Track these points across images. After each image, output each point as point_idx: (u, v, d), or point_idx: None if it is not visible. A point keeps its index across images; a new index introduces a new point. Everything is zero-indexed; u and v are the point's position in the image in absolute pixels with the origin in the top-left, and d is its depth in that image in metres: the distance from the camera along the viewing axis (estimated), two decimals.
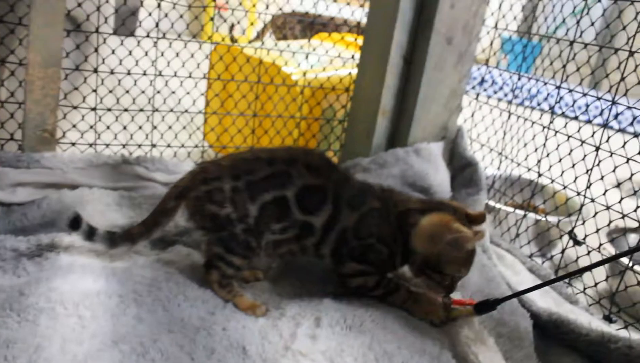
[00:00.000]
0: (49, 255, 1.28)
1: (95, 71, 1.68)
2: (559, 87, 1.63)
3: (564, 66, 1.61)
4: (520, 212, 1.83)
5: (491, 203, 1.94)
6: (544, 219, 1.77)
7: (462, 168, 1.90)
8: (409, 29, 1.87)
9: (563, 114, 1.72)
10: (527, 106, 1.99)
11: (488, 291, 1.36)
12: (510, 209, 1.88)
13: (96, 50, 1.69)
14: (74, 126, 1.70)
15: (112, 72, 1.70)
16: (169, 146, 1.82)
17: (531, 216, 1.80)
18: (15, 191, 1.47)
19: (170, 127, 1.82)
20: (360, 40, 2.06)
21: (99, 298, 1.14)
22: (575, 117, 1.64)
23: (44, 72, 1.46)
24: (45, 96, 1.48)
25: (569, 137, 1.62)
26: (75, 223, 1.21)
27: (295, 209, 1.19)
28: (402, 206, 1.24)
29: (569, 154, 1.62)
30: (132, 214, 1.50)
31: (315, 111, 2.05)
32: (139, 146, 1.78)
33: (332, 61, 2.08)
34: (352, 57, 2.07)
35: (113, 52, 1.71)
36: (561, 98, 1.65)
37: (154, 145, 1.79)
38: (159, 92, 1.77)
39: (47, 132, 1.51)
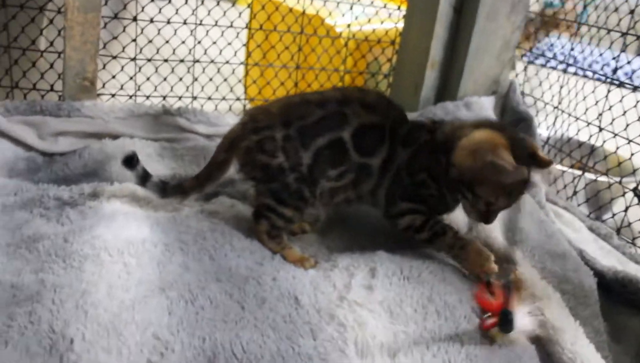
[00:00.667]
0: (92, 204, 1.25)
1: (135, 19, 1.62)
2: (625, 34, 1.52)
3: (632, 12, 1.50)
4: (577, 172, 1.73)
5: None
6: (604, 178, 1.67)
7: (515, 123, 1.80)
8: None
9: (629, 63, 1.61)
10: (580, 72, 1.88)
11: (549, 247, 1.28)
12: (565, 168, 1.79)
13: None
14: (113, 76, 1.66)
15: (151, 21, 1.64)
16: (209, 98, 1.76)
17: (589, 175, 1.71)
18: (57, 140, 1.44)
19: (211, 80, 1.76)
20: None
21: (144, 246, 1.10)
22: None
23: (84, 17, 1.41)
24: (84, 42, 1.43)
25: (635, 88, 1.52)
26: (130, 162, 1.17)
27: (352, 151, 1.12)
28: (456, 126, 1.15)
29: (635, 106, 1.51)
30: (174, 166, 1.45)
31: (359, 65, 1.97)
32: (180, 98, 1.73)
33: (377, 12, 1.99)
34: (399, 8, 1.97)
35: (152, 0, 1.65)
36: (627, 46, 1.54)
37: (194, 97, 1.74)
38: (199, 42, 1.71)
39: (87, 80, 1.47)
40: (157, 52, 1.67)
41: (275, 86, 1.84)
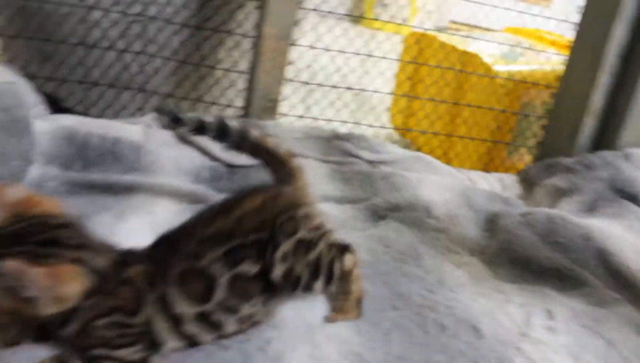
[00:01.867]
0: None
1: (312, 47, 1.75)
2: None
3: None
4: None
5: None
6: None
7: None
8: (631, 25, 1.77)
9: None
10: None
11: None
12: None
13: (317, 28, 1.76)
14: (285, 99, 1.79)
15: (326, 50, 1.77)
16: (370, 126, 1.86)
17: None
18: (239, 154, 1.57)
19: (373, 109, 1.87)
20: (552, 37, 2.00)
21: None
22: None
23: (276, 45, 1.54)
24: (274, 67, 1.57)
25: None
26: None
27: None
28: None
29: None
30: (343, 188, 1.55)
31: (514, 105, 2.00)
32: (343, 122, 1.84)
33: (537, 55, 2.02)
34: (559, 53, 1.99)
35: (330, 30, 1.77)
36: None
37: (356, 123, 1.84)
38: (367, 72, 1.81)
39: (271, 102, 1.60)
40: (328, 79, 1.78)
41: (433, 119, 1.92)
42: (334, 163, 1.61)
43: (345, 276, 0.99)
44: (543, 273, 1.27)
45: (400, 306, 1.10)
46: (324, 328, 1.00)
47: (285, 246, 0.91)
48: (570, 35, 1.88)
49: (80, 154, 1.44)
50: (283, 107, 1.80)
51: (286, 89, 1.80)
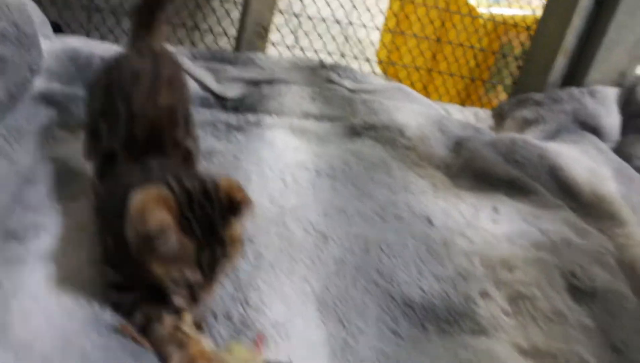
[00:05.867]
0: (256, 131, 1.48)
1: None
2: None
3: None
4: None
5: None
6: None
7: (637, 115, 1.89)
8: None
9: None
10: None
11: None
12: None
13: None
14: (278, 30, 1.91)
15: None
16: (355, 58, 1.98)
17: None
18: (231, 86, 1.67)
19: (360, 42, 1.98)
20: None
21: (299, 169, 1.33)
22: None
23: None
24: None
25: None
26: None
27: None
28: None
29: None
30: (323, 108, 1.64)
31: (493, 45, 2.12)
32: (330, 54, 1.95)
33: (520, 1, 2.12)
34: None
35: None
36: None
37: (342, 55, 1.96)
38: (354, 7, 1.93)
39: (262, 28, 1.72)
40: (319, 12, 1.90)
41: (416, 55, 2.04)
42: (317, 86, 1.72)
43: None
44: (498, 183, 1.41)
45: (365, 201, 1.25)
46: (294, 212, 1.15)
47: None
48: None
49: (81, 74, 1.54)
50: (274, 38, 1.92)
51: (279, 20, 1.92)
